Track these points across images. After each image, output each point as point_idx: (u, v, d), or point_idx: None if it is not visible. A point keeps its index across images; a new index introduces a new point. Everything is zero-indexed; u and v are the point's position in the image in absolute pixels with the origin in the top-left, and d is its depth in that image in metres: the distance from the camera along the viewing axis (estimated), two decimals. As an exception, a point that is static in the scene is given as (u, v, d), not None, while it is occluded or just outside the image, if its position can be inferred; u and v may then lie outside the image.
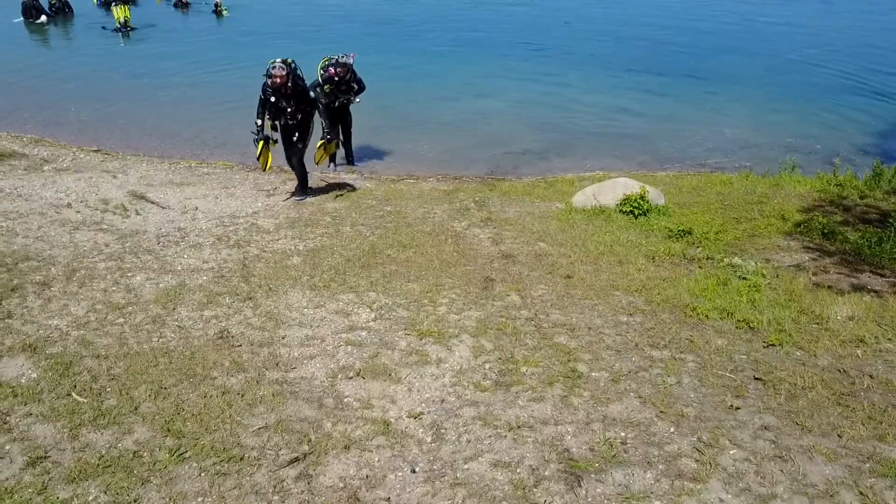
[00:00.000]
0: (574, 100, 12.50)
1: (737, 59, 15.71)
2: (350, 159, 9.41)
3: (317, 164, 8.52)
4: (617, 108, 12.07)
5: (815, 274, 5.82)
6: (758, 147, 10.55)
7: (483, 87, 13.18)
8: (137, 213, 7.22)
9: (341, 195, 8.06)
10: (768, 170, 9.17)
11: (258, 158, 7.81)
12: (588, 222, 7.08)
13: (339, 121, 9.03)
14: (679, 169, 9.74)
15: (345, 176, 9.11)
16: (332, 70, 8.47)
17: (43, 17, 18.18)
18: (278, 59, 7.25)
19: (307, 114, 7.66)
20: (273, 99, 7.35)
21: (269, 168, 8.09)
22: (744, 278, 5.67)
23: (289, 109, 7.44)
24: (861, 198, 7.99)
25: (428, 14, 20.73)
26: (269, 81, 7.24)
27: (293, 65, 7.37)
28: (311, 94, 7.91)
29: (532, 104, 12.26)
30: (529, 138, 10.67)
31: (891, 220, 6.83)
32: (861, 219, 7.34)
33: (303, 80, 7.55)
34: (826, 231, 6.76)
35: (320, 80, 8.58)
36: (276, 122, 7.64)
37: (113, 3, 17.44)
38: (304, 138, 7.72)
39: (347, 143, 9.26)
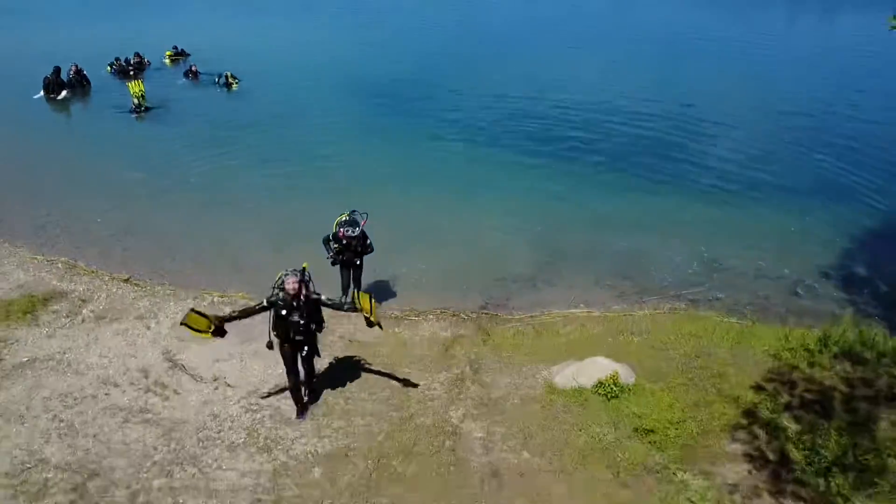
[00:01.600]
0: (562, 211, 13.77)
1: (717, 160, 16.83)
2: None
3: (377, 323, 7.45)
4: (602, 220, 13.25)
5: (748, 498, 7.04)
6: (730, 271, 11.59)
7: (475, 195, 14.41)
8: (176, 393, 8.31)
9: (348, 359, 9.06)
10: (736, 302, 10.37)
11: None
12: (567, 410, 8.20)
13: (351, 271, 9.93)
14: (658, 300, 10.76)
15: (353, 315, 10.13)
16: (342, 232, 9.36)
17: (63, 93, 18.34)
18: (290, 268, 7.09)
19: (318, 326, 7.38)
20: (284, 312, 7.02)
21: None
22: (691, 502, 6.90)
23: (301, 322, 7.10)
24: (810, 365, 9.08)
25: (431, 81, 21.81)
26: (282, 294, 6.99)
27: (306, 273, 7.27)
28: (325, 249, 8.52)
29: (522, 216, 13.39)
30: (520, 261, 11.68)
31: (833, 408, 7.99)
32: (804, 401, 8.46)
33: (317, 292, 7.26)
34: (770, 426, 7.91)
35: (331, 236, 9.50)
36: (284, 340, 7.25)
37: (130, 75, 17.78)
38: (312, 356, 7.51)
39: (356, 290, 10.20)
